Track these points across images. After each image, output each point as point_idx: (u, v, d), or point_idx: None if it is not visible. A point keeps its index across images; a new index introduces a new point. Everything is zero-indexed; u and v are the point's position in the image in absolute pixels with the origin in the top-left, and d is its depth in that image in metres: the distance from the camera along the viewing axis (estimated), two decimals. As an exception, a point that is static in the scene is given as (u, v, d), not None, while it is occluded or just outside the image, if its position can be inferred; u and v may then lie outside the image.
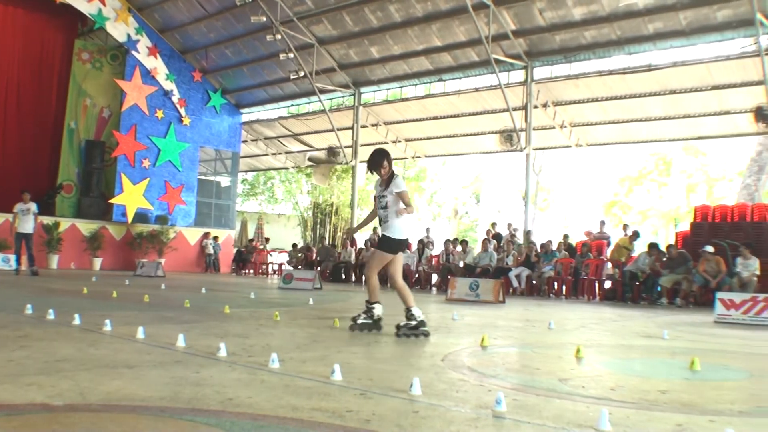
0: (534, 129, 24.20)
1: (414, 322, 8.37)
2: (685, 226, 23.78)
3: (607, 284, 20.09)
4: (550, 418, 4.17)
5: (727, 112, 22.77)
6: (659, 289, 18.29)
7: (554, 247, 21.94)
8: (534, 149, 24.95)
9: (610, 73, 23.12)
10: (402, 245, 8.67)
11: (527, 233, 24.20)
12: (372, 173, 8.73)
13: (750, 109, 20.78)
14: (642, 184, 44.16)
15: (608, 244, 22.14)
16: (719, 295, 13.41)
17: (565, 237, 23.36)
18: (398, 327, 8.42)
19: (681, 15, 20.58)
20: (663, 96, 22.87)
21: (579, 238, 23.90)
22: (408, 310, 8.44)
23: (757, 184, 29.19)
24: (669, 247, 19.51)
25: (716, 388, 5.89)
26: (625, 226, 22.81)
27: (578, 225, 38.92)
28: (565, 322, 12.15)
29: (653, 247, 19.47)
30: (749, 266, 17.12)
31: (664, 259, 18.73)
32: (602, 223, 24.42)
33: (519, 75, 24.66)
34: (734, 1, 19.64)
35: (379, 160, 8.54)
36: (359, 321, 8.68)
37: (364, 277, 9.85)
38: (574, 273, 20.35)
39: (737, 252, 17.66)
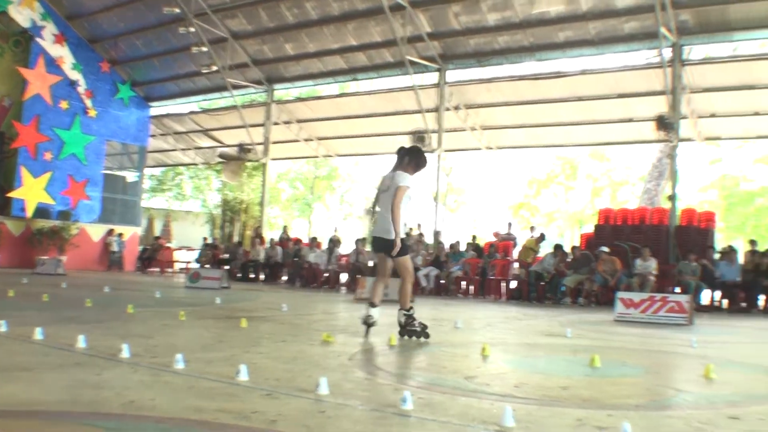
0: (446, 131, 24.38)
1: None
2: (589, 229, 24.31)
3: (513, 284, 20.43)
4: (455, 416, 4.26)
5: (631, 120, 23.44)
6: (563, 288, 18.70)
7: (462, 247, 22.22)
8: (445, 151, 25.17)
9: (522, 78, 23.53)
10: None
11: (436, 233, 24.43)
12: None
13: (652, 117, 21.37)
14: (549, 187, 44.97)
15: (515, 245, 22.50)
16: (619, 294, 13.81)
17: (474, 237, 23.69)
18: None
19: (590, 25, 21.10)
20: (572, 102, 23.39)
21: (488, 238, 24.24)
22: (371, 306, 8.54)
23: (657, 189, 30.04)
24: (573, 248, 19.99)
25: (615, 383, 6.10)
26: (533, 228, 23.24)
27: (487, 226, 39.40)
28: (471, 321, 12.34)
29: (558, 248, 19.94)
30: (648, 267, 17.72)
31: (569, 260, 19.19)
32: (509, 224, 24.84)
33: (433, 77, 24.83)
34: (640, 15, 20.24)
35: None
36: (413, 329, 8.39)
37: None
38: (481, 273, 20.63)
39: (637, 253, 18.23)
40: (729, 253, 18.87)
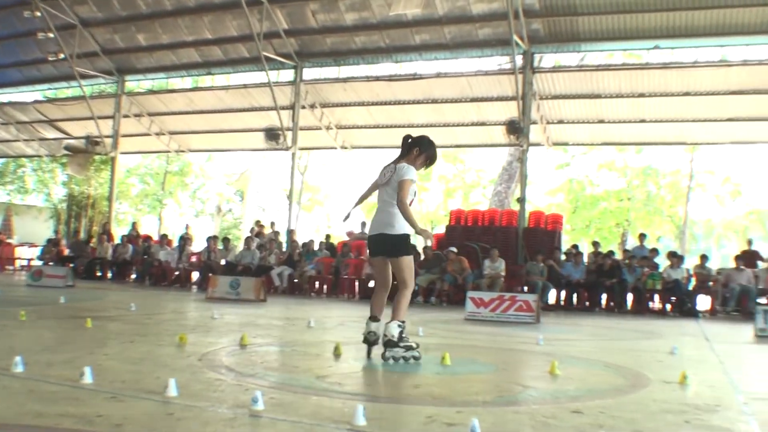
0: (300, 129, 24.37)
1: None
2: (441, 229, 24.74)
3: (368, 284, 20.56)
4: (306, 416, 4.24)
5: (484, 124, 24.03)
6: (416, 288, 18.93)
7: (316, 246, 22.21)
8: (300, 149, 25.17)
9: (378, 79, 23.76)
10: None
11: (290, 232, 24.33)
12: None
13: (503, 121, 21.96)
14: (404, 188, 45.38)
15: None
16: (469, 294, 14.16)
17: (328, 237, 23.71)
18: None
19: (446, 29, 21.51)
20: (426, 104, 23.81)
21: (342, 238, 24.30)
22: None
23: (507, 191, 30.84)
24: (425, 248, 20.28)
25: (464, 381, 6.22)
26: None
27: (341, 225, 39.49)
28: (325, 320, 12.35)
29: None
30: (497, 267, 18.21)
31: (421, 260, 19.47)
32: (363, 224, 24.96)
33: (289, 74, 24.77)
34: (494, 22, 20.82)
35: None
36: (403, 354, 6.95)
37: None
38: (334, 272, 20.69)
39: (487, 254, 18.68)
40: (574, 254, 19.62)
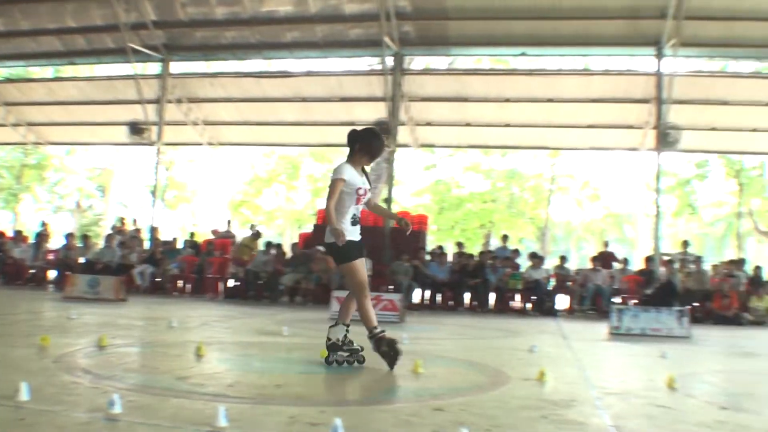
0: (166, 124, 23.76)
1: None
2: (309, 228, 24.68)
3: (231, 282, 20.32)
4: (166, 418, 4.16)
5: (353, 124, 23.95)
6: (281, 287, 18.86)
7: (180, 244, 21.81)
8: (165, 144, 24.62)
9: (247, 75, 23.50)
10: None
11: (153, 229, 23.76)
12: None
13: (372, 122, 22.07)
14: (271, 185, 45.09)
15: (233, 243, 22.35)
16: (335, 293, 14.15)
17: (192, 235, 23.32)
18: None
19: (318, 28, 21.45)
20: (296, 102, 23.64)
21: (207, 236, 23.96)
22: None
23: (375, 191, 31.04)
24: (293, 245, 20.23)
25: (328, 380, 6.24)
26: (253, 226, 23.26)
27: (207, 223, 38.91)
28: (187, 320, 12.12)
29: (272, 246, 20.09)
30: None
31: (287, 259, 19.39)
32: (229, 222, 24.70)
33: (155, 67, 24.16)
34: (366, 23, 20.89)
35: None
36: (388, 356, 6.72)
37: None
38: (198, 271, 20.36)
39: (355, 254, 18.70)
40: (439, 254, 19.92)
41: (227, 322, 12.05)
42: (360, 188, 6.95)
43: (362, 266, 7.04)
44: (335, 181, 6.91)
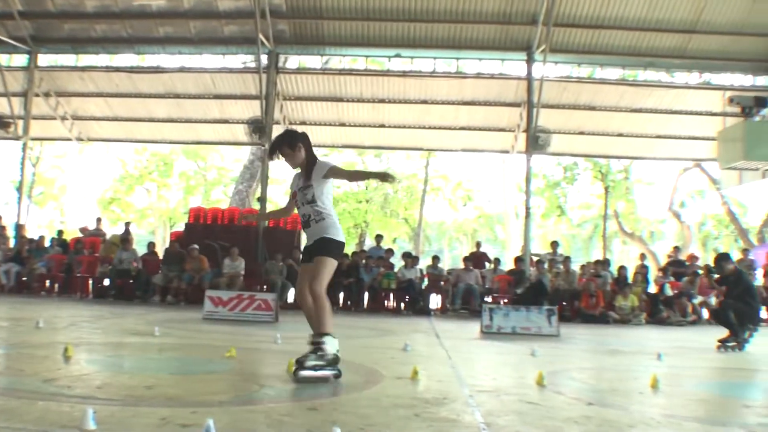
0: (33, 118, 22.91)
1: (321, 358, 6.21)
2: (181, 227, 24.25)
3: (104, 282, 19.77)
4: (32, 421, 4.01)
5: (227, 121, 23.82)
6: (153, 287, 18.46)
7: (47, 242, 21.09)
8: (32, 139, 23.74)
9: (118, 70, 22.87)
10: (343, 248, 6.63)
11: (19, 227, 22.88)
12: (275, 159, 6.70)
13: (246, 120, 21.92)
14: (143, 183, 44.14)
15: (103, 241, 21.69)
16: (208, 292, 13.98)
17: (60, 233, 22.58)
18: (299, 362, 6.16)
19: (191, 24, 21.13)
20: (168, 99, 23.18)
21: (76, 234, 23.25)
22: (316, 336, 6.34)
23: (248, 190, 30.74)
24: (172, 243, 19.87)
25: (201, 381, 6.13)
26: (128, 224, 22.70)
27: (76, 221, 37.74)
28: (55, 320, 11.70)
29: (124, 241, 19.64)
30: (236, 266, 18.13)
31: (163, 258, 19.04)
32: (99, 219, 24.01)
33: (22, 59, 23.25)
34: (241, 20, 20.74)
35: (288, 141, 6.55)
36: (308, 364, 6.12)
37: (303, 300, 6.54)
38: (66, 270, 19.72)
39: (227, 252, 18.53)
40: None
41: (97, 323, 11.71)
42: (296, 191, 6.57)
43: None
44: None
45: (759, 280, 20.68)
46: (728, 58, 22.29)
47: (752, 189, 28.04)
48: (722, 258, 12.34)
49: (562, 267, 19.61)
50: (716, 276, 12.35)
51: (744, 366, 9.06)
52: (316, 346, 6.18)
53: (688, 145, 24.71)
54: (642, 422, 4.92)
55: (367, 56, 22.86)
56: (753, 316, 11.43)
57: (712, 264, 13.15)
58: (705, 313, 19.36)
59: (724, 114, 22.97)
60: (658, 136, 24.28)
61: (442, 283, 19.55)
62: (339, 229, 6.42)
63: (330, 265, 6.36)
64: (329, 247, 6.33)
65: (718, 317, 11.64)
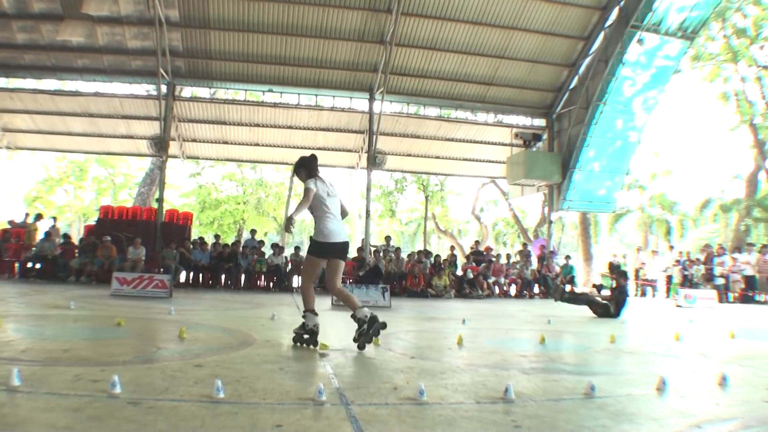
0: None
1: (363, 325, 6.12)
2: (94, 221, 23.19)
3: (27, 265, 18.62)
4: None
5: (132, 137, 22.86)
6: (77, 267, 17.58)
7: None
8: (-34, 146, 22.09)
9: (43, 92, 21.51)
10: (328, 248, 6.29)
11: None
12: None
13: (149, 136, 21.25)
14: (62, 185, 42.03)
15: (28, 232, 20.46)
16: (116, 274, 13.48)
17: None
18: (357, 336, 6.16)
19: (105, 57, 20.22)
20: (84, 117, 21.99)
21: (5, 226, 21.81)
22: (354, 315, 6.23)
23: (149, 192, 29.75)
24: (88, 233, 19.01)
25: (108, 345, 5.92)
26: (55, 219, 21.49)
27: (5, 215, 35.43)
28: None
29: (48, 234, 18.72)
30: (138, 253, 17.54)
31: (79, 246, 18.26)
32: (27, 214, 22.57)
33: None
34: (145, 56, 20.04)
35: (294, 168, 6.57)
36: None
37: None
38: (-2, 254, 18.50)
39: (131, 242, 17.89)
40: (201, 243, 19.49)
41: (22, 298, 11.04)
42: (324, 195, 6.34)
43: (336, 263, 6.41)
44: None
45: (534, 265, 21.79)
46: (515, 104, 23.42)
47: (531, 199, 29.36)
48: (615, 267, 13.75)
49: (393, 255, 19.95)
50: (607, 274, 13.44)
51: (525, 327, 9.48)
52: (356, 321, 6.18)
53: (486, 166, 25.68)
54: (450, 370, 5.12)
55: (246, 90, 22.55)
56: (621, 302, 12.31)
57: (607, 268, 14.45)
58: (496, 290, 20.23)
59: (512, 145, 24.05)
60: (465, 159, 25.14)
61: (303, 267, 19.46)
62: (321, 231, 6.23)
63: (307, 261, 6.44)
64: (310, 246, 6.38)
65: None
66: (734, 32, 32.03)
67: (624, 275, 12.87)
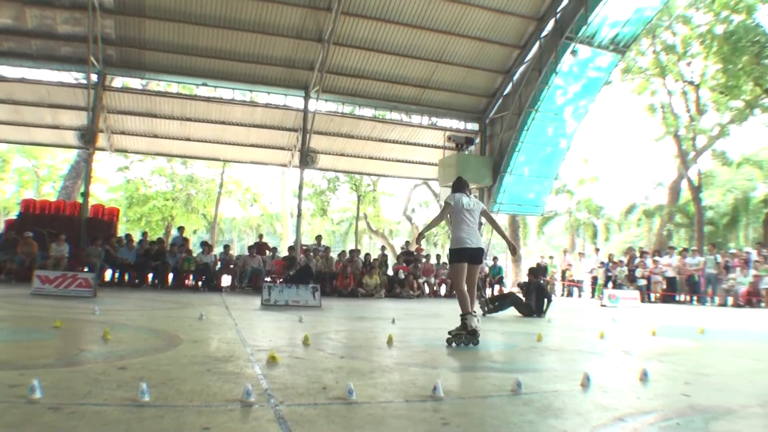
0: None
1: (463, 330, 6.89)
2: (15, 216, 22.35)
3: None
4: None
5: (58, 127, 22.09)
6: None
7: None
8: None
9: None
10: (462, 253, 7.04)
11: None
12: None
13: (75, 127, 20.64)
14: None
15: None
16: (37, 272, 13.03)
17: None
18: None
19: (33, 42, 19.46)
20: (7, 105, 21.11)
21: None
22: (462, 315, 6.93)
23: (74, 186, 28.86)
24: (8, 230, 18.27)
25: (28, 347, 5.71)
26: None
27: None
28: None
29: None
30: (62, 250, 17.01)
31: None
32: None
33: None
34: (76, 43, 19.43)
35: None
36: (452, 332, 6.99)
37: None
38: None
39: (54, 238, 17.35)
40: (128, 241, 19.06)
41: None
42: (468, 210, 7.24)
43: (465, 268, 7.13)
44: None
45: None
46: (449, 108, 23.76)
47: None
48: (533, 269, 14.16)
49: (324, 255, 19.93)
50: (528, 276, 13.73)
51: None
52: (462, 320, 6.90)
53: (419, 168, 25.94)
54: (380, 369, 5.15)
55: (179, 82, 22.09)
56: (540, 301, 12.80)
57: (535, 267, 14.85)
58: (427, 290, 20.45)
59: (444, 147, 24.35)
60: (398, 160, 25.34)
61: (232, 266, 19.28)
62: (455, 239, 7.10)
63: (451, 269, 7.21)
64: (449, 254, 7.25)
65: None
66: (663, 48, 33.63)
67: (536, 273, 13.43)
